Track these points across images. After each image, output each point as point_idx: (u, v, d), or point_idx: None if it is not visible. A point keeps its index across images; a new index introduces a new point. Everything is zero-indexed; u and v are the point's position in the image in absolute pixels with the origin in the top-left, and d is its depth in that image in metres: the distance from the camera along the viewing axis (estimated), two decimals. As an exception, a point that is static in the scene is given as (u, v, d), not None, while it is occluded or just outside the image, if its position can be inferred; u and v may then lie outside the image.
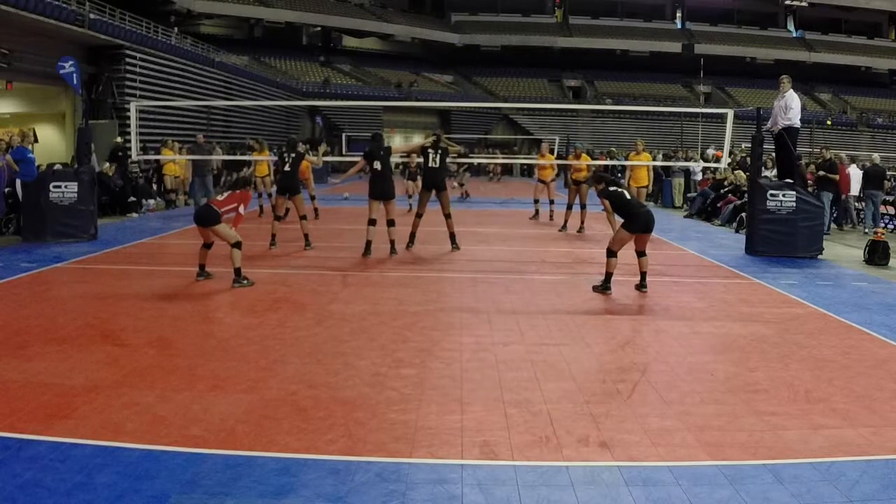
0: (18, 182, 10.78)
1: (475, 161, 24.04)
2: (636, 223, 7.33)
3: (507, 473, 3.26)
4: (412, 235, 10.18)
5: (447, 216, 10.09)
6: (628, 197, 7.52)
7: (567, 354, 5.14)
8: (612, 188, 7.57)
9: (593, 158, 17.98)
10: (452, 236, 10.18)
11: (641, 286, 7.50)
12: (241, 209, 7.66)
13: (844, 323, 6.25)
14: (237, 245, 7.47)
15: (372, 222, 9.43)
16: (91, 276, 7.95)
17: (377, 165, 9.44)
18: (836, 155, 14.58)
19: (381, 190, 9.47)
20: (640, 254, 7.51)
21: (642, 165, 13.40)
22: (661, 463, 3.39)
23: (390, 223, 9.52)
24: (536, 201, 15.05)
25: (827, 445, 3.60)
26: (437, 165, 9.99)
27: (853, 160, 17.29)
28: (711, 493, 3.11)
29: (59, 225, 10.31)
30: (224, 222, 7.47)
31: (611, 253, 7.41)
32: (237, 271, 7.44)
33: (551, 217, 14.40)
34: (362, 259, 9.20)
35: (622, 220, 7.46)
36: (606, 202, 7.66)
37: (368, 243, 9.43)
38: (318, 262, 8.99)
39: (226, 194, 7.74)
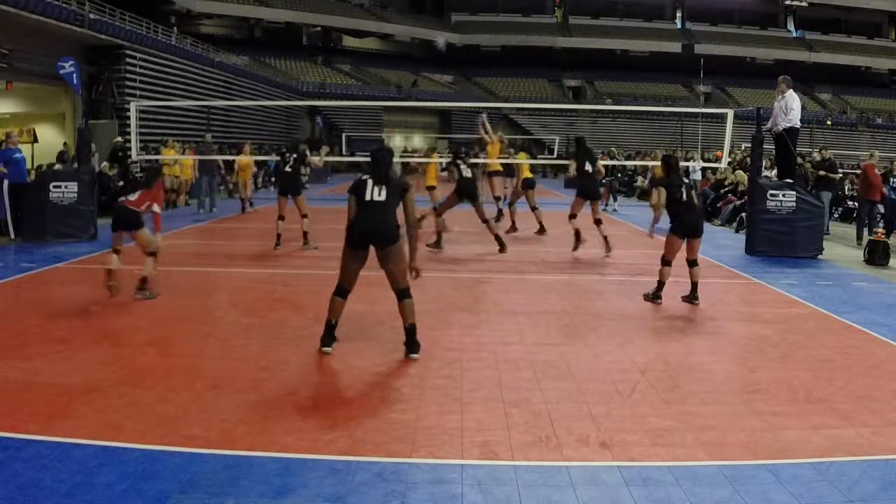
0: (6, 183, 10.70)
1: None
2: (683, 225, 6.71)
3: (507, 473, 3.26)
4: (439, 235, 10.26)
5: (484, 221, 10.11)
6: (684, 196, 6.72)
7: (567, 354, 5.14)
8: (673, 179, 6.76)
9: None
10: (498, 238, 10.15)
11: (693, 298, 6.82)
12: (156, 208, 6.80)
13: (844, 323, 6.25)
14: (154, 254, 6.74)
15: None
16: (91, 276, 7.93)
17: None
18: (872, 154, 13.30)
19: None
20: (692, 263, 6.85)
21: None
22: (661, 463, 3.39)
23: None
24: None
25: (827, 445, 3.60)
26: (471, 175, 10.10)
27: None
28: (711, 493, 3.10)
29: (59, 225, 10.30)
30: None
31: (665, 261, 6.81)
32: (144, 280, 6.67)
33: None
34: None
35: (670, 223, 6.76)
36: (661, 192, 6.80)
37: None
38: (318, 262, 8.99)
39: (138, 193, 6.75)
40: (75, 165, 11.75)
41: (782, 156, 10.54)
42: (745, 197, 12.14)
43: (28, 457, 3.31)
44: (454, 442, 3.57)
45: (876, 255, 9.69)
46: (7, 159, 10.94)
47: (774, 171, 11.77)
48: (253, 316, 6.14)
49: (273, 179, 21.99)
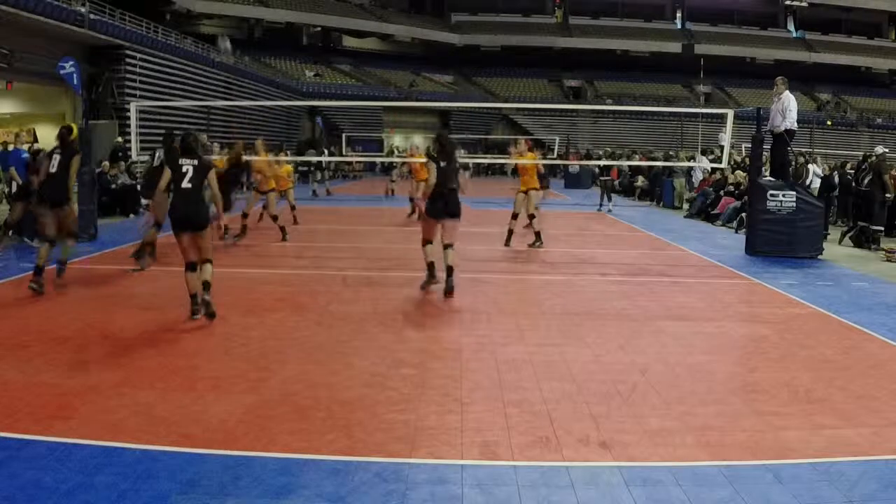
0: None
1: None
2: (436, 205, 6.69)
3: (507, 473, 3.26)
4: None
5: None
6: (441, 167, 6.73)
7: (567, 354, 5.13)
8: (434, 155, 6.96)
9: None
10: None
11: (447, 289, 6.78)
12: None
13: (844, 323, 6.25)
14: None
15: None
16: (91, 276, 7.94)
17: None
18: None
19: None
20: (446, 246, 6.77)
21: (529, 164, 11.14)
22: (661, 463, 3.38)
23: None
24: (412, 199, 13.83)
25: (827, 445, 3.60)
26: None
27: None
28: (711, 493, 3.10)
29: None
30: None
31: (425, 241, 7.02)
32: None
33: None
34: (363, 259, 9.20)
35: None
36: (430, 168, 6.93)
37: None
38: (318, 263, 8.99)
39: None
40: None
41: (777, 157, 10.55)
42: (745, 197, 12.14)
43: (28, 457, 3.31)
44: (454, 442, 3.57)
45: (864, 238, 9.84)
46: (17, 159, 10.99)
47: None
48: (253, 316, 6.14)
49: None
